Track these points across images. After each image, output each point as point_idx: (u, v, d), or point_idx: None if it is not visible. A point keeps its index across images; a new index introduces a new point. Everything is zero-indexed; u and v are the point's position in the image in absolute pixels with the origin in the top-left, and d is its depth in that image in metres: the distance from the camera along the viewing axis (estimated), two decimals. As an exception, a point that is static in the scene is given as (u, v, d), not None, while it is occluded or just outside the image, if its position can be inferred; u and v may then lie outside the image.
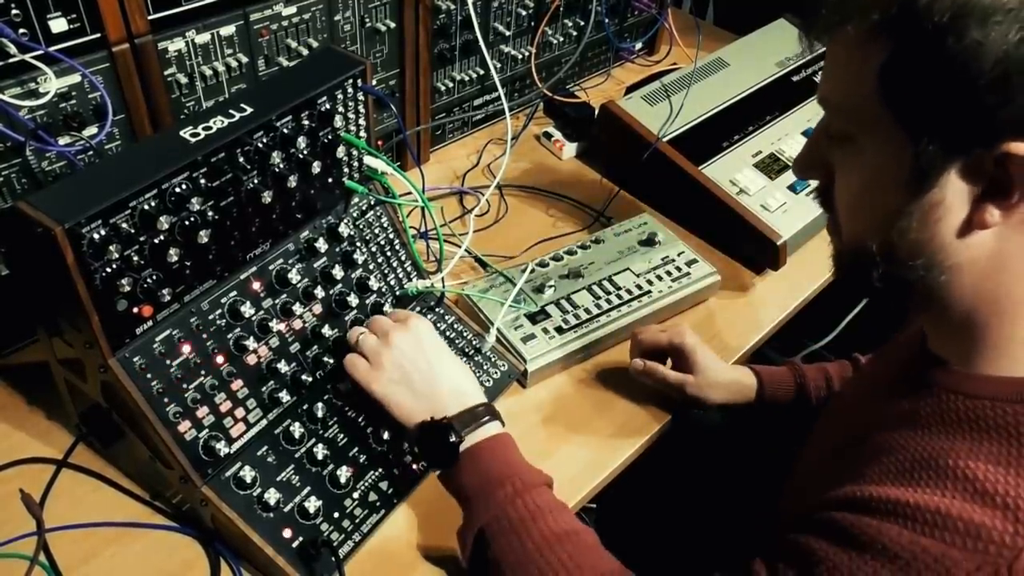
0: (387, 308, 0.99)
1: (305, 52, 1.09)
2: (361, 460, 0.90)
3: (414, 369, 0.86)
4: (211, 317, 0.85)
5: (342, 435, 0.91)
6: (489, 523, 0.78)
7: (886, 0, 0.56)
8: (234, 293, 0.87)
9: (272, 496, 0.83)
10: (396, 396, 0.86)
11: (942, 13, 0.52)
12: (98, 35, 0.90)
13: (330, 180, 0.95)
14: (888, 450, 0.62)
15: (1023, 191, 0.55)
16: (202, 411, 0.82)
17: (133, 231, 0.74)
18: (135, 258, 0.75)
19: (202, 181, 0.79)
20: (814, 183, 0.75)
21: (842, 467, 0.66)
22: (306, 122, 0.88)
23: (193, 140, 0.79)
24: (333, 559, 0.81)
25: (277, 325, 0.90)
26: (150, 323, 0.80)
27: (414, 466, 0.92)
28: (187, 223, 0.78)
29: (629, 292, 1.14)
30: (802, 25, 0.65)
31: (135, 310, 0.78)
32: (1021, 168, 0.54)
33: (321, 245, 0.94)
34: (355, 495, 0.87)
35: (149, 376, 0.80)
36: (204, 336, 0.84)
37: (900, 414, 0.65)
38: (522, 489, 0.79)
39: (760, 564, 0.64)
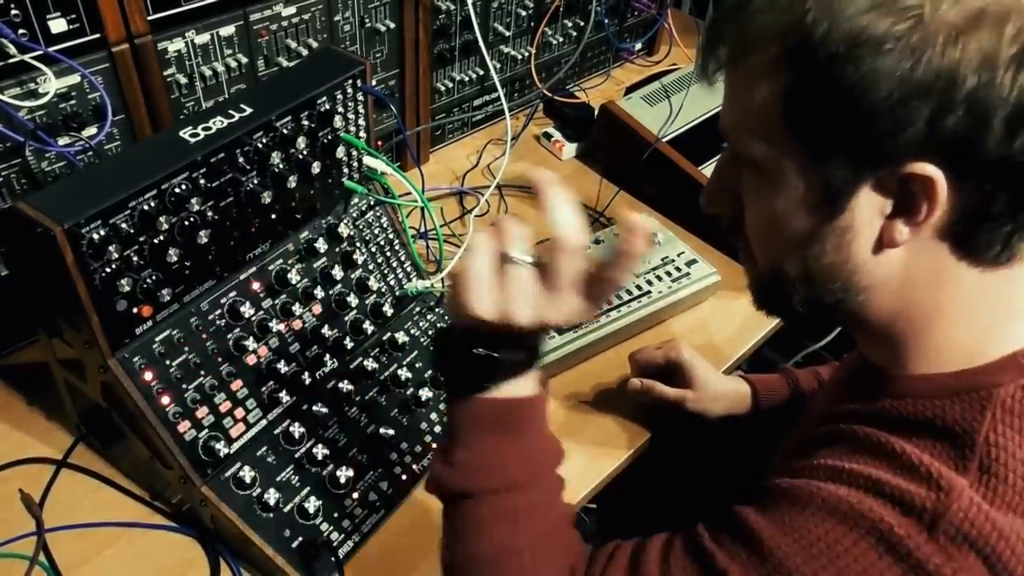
0: (387, 309, 0.99)
1: (305, 52, 1.09)
2: (361, 460, 0.90)
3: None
4: (211, 317, 0.85)
5: (342, 435, 0.91)
6: (478, 494, 0.70)
7: (784, 32, 0.57)
8: (234, 293, 0.87)
9: (272, 496, 0.83)
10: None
11: (837, 43, 0.54)
12: (98, 35, 0.90)
13: (330, 180, 0.95)
14: (836, 439, 0.66)
15: (930, 208, 0.57)
16: (202, 411, 0.82)
17: (133, 231, 0.74)
18: (135, 258, 0.75)
19: (202, 181, 0.79)
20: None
21: (793, 451, 0.69)
22: (306, 122, 0.88)
23: (193, 140, 0.79)
24: (333, 559, 0.81)
25: (277, 325, 0.90)
26: (150, 323, 0.80)
27: (414, 466, 0.92)
28: (187, 223, 0.79)
29: (629, 292, 1.13)
30: (701, 61, 0.65)
31: (135, 310, 0.78)
32: (924, 187, 0.56)
33: (321, 245, 0.94)
34: (355, 495, 0.87)
35: (149, 376, 0.80)
36: (204, 336, 0.84)
37: (849, 414, 0.69)
38: (532, 479, 0.70)
39: (703, 528, 0.67)
